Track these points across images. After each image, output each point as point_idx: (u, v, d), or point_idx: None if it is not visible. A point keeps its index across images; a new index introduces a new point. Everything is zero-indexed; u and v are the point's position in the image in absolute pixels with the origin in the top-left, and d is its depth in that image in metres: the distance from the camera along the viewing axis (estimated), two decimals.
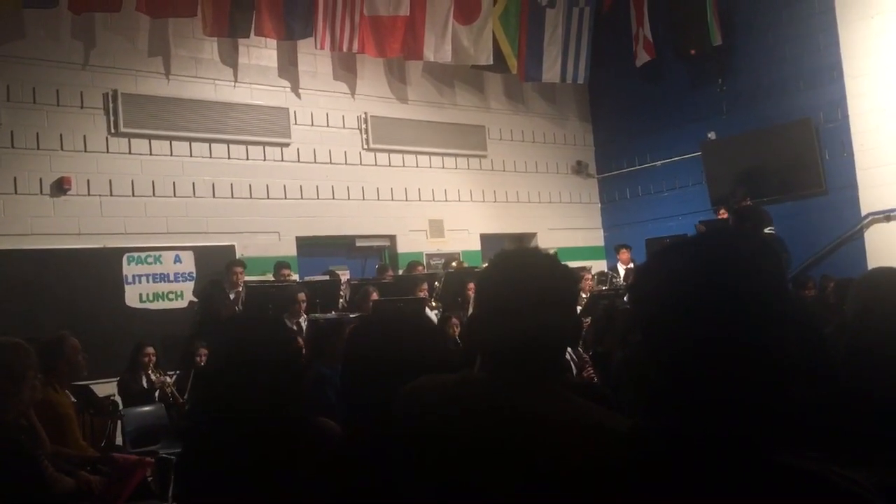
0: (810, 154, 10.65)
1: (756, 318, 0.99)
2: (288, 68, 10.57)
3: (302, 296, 8.05)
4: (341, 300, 8.83)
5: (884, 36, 9.83)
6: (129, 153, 9.21)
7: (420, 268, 10.22)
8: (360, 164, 11.02)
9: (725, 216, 10.64)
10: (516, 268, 1.57)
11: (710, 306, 0.99)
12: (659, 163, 12.60)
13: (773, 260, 1.05)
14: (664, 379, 1.01)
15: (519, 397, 1.44)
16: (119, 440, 6.45)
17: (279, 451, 1.93)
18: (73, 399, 4.95)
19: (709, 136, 11.90)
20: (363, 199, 10.95)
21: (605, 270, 11.87)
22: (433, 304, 8.80)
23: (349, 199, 10.82)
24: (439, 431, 1.48)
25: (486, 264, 1.85)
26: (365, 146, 11.07)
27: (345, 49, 10.31)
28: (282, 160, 10.34)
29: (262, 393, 1.96)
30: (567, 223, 13.02)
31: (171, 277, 9.25)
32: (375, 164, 11.16)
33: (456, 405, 1.49)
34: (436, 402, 1.53)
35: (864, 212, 10.04)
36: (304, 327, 7.71)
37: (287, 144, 10.38)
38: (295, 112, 10.49)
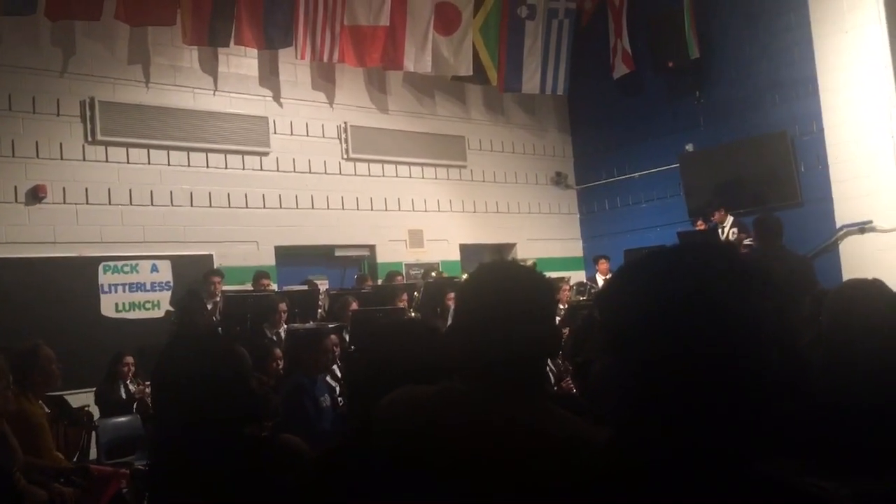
0: (786, 166, 10.78)
1: (731, 330, 0.99)
2: (268, 77, 10.54)
3: (283, 306, 7.99)
4: (320, 310, 8.78)
5: (858, 50, 9.97)
6: (106, 161, 9.13)
7: (399, 278, 10.19)
8: (340, 173, 11.00)
9: (703, 227, 10.72)
10: (496, 280, 1.58)
11: (685, 318, 1.00)
12: (637, 174, 12.68)
13: (748, 271, 1.06)
14: (638, 390, 1.02)
15: (498, 409, 1.44)
16: (94, 451, 6.37)
17: (242, 468, 1.91)
18: (46, 409, 4.89)
19: (686, 147, 12.00)
20: (343, 208, 10.93)
21: (584, 281, 11.91)
22: (412, 314, 8.78)
23: (328, 208, 10.80)
24: (417, 444, 1.47)
25: (466, 276, 1.86)
26: (345, 156, 11.06)
27: (325, 59, 10.31)
28: (261, 169, 10.30)
29: (213, 408, 1.95)
30: (546, 234, 13.07)
31: (148, 287, 9.18)
32: (355, 174, 11.15)
33: (434, 417, 1.48)
34: (414, 414, 1.52)
35: (838, 224, 10.15)
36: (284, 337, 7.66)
37: (266, 153, 10.34)
38: (274, 121, 10.46)
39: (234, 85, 10.22)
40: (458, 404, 1.48)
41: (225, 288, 8.63)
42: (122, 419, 6.83)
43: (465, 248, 12.04)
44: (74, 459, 5.32)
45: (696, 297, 1.01)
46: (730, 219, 10.32)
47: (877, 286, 2.35)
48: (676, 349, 0.99)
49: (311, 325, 7.81)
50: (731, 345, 0.99)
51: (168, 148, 9.54)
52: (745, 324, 1.00)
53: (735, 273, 1.04)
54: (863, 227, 9.92)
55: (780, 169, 10.81)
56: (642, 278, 1.07)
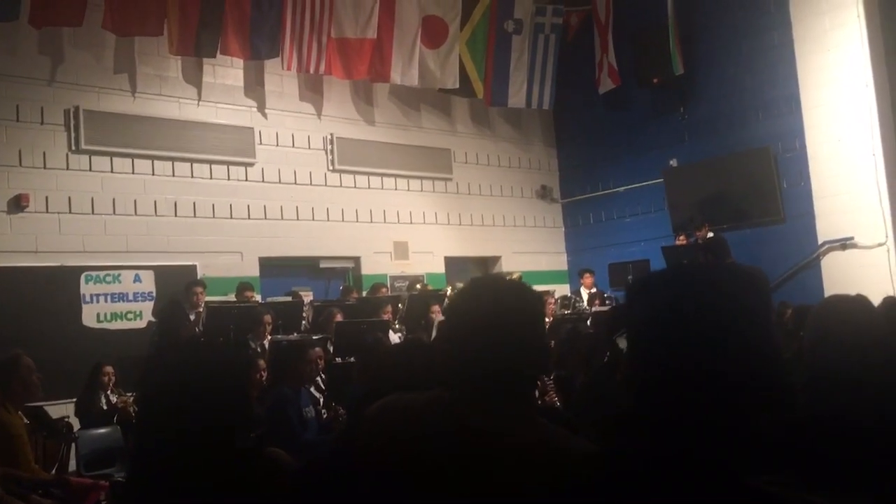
0: (769, 182, 10.88)
1: (735, 348, 1.00)
2: (254, 88, 10.53)
3: (268, 318, 7.94)
4: (304, 322, 8.75)
5: (840, 69, 10.10)
6: (90, 170, 9.07)
7: (384, 290, 10.18)
8: (326, 185, 10.99)
9: (684, 242, 10.79)
10: (488, 294, 1.59)
11: (694, 338, 1.01)
12: (622, 189, 12.76)
13: (756, 293, 1.07)
14: (641, 403, 1.03)
15: (486, 420, 1.44)
16: (73, 463, 6.30)
17: (227, 481, 1.90)
18: (25, 420, 4.84)
19: (670, 163, 12.09)
20: (328, 220, 10.91)
21: (569, 294, 11.94)
22: (397, 326, 8.77)
23: (314, 219, 10.77)
24: (404, 453, 1.47)
25: (458, 288, 1.88)
26: (330, 167, 11.06)
27: (312, 70, 10.31)
28: (246, 180, 10.27)
29: (205, 418, 1.93)
30: (531, 247, 13.10)
31: (130, 297, 9.10)
32: (341, 186, 11.14)
33: (422, 427, 1.48)
34: (401, 423, 1.52)
35: (820, 240, 10.25)
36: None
37: (252, 164, 10.31)
38: (260, 132, 10.44)
39: (219, 95, 10.19)
40: (447, 414, 1.48)
41: (208, 298, 8.57)
42: (102, 431, 6.76)
43: (450, 261, 12.04)
44: (53, 471, 5.27)
45: (705, 320, 1.02)
46: (710, 235, 10.42)
47: (859, 301, 2.37)
48: (679, 366, 1.00)
49: (294, 336, 7.78)
50: (714, 356, 1.00)
51: (152, 158, 9.49)
52: (747, 344, 1.02)
53: (745, 295, 1.06)
54: (844, 244, 10.02)
55: (762, 185, 10.91)
56: (652, 300, 1.09)
